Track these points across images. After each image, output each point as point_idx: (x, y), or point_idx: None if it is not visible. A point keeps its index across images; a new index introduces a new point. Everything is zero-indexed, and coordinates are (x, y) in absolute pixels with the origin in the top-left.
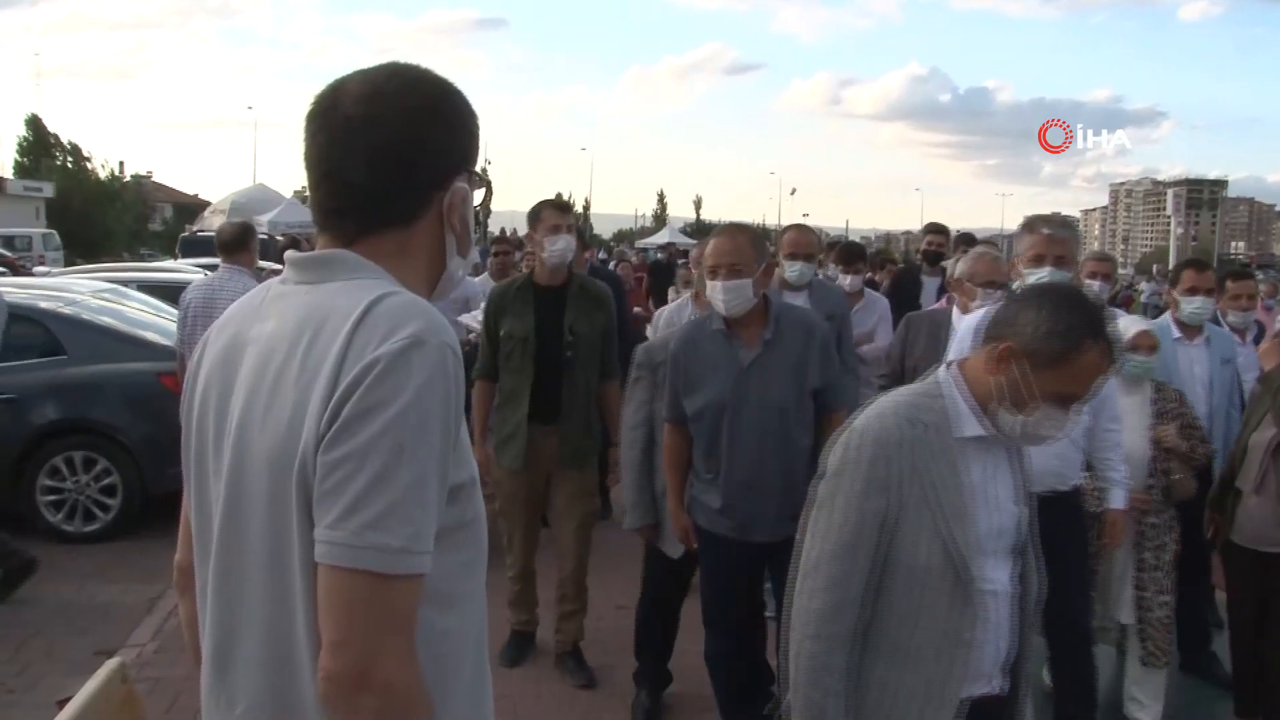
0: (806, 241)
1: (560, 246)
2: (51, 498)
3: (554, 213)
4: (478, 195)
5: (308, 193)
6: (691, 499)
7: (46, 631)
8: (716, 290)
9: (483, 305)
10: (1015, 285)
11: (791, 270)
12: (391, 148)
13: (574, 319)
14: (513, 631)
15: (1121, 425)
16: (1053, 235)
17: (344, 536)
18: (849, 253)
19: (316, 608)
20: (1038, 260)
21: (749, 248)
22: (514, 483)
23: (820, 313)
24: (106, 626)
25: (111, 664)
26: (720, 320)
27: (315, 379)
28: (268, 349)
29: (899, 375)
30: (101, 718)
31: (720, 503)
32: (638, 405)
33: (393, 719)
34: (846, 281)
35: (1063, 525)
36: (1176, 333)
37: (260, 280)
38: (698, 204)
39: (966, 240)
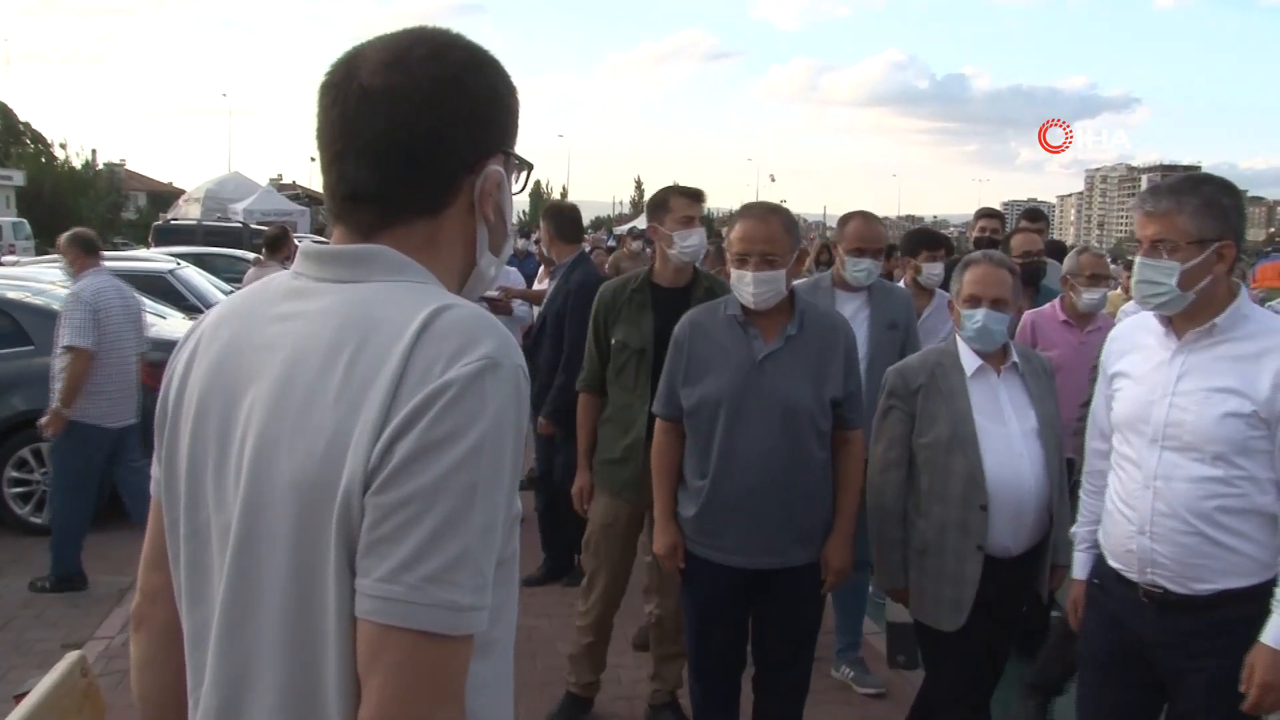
0: (875, 234)
1: (694, 242)
2: (18, 490)
3: (686, 202)
4: (518, 181)
5: (286, 180)
6: (677, 514)
7: (14, 624)
8: (745, 281)
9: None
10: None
11: (858, 269)
12: (414, 123)
13: None
14: (569, 695)
15: None
16: (1139, 210)
17: (403, 592)
18: (931, 240)
19: (353, 662)
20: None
21: (783, 234)
22: (615, 512)
23: (882, 321)
24: (75, 618)
25: (71, 657)
26: (737, 307)
27: (362, 401)
28: (294, 359)
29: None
30: (61, 711)
31: (700, 507)
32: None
33: None
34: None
35: (1191, 645)
36: None
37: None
38: None
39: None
